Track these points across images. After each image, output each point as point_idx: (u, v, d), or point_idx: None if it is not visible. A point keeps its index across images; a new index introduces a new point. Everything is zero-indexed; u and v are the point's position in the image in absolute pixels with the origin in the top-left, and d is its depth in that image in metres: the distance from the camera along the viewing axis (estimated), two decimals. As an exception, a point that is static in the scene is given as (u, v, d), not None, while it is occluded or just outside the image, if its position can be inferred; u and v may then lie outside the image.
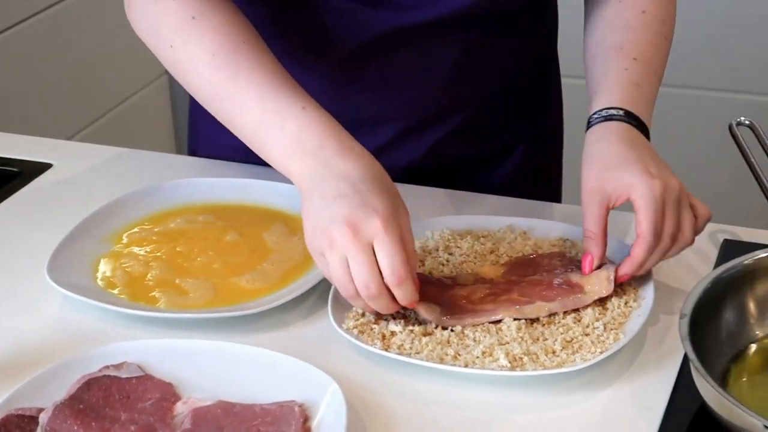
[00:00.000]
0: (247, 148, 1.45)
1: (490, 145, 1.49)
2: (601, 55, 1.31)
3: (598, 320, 1.15)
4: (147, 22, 1.27)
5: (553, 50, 1.53)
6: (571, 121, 1.61)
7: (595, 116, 1.24)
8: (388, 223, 1.11)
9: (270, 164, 1.21)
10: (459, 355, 1.12)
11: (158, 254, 1.29)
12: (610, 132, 1.21)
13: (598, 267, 1.18)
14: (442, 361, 1.12)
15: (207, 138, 1.54)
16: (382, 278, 1.10)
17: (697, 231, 1.19)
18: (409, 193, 1.24)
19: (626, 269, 1.17)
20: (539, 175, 1.57)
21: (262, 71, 1.21)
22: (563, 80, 1.57)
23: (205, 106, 1.25)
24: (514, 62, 1.45)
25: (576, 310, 1.17)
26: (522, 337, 1.13)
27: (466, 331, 1.15)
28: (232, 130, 1.24)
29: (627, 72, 1.26)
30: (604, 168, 1.19)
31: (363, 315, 1.17)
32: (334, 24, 1.35)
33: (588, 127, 1.24)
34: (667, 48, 1.33)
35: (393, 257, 1.10)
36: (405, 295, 1.12)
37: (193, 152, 1.57)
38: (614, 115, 1.23)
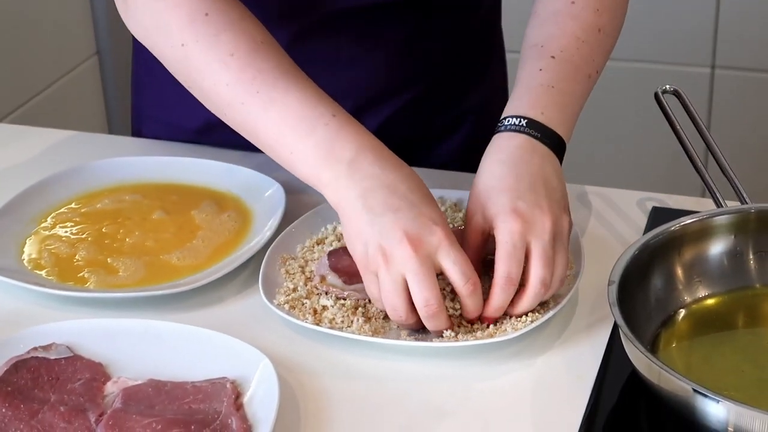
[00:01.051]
0: (194, 128, 1.44)
1: (439, 121, 1.49)
2: (524, 54, 1.24)
3: (528, 290, 1.16)
4: (151, 18, 1.18)
5: (497, 25, 1.53)
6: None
7: (499, 125, 1.17)
8: (448, 232, 1.07)
9: (297, 176, 1.14)
10: (391, 328, 1.12)
11: (83, 236, 1.28)
12: (501, 147, 1.15)
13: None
14: (373, 334, 1.11)
15: (152, 119, 1.51)
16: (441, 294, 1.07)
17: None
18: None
19: (487, 311, 1.10)
20: None
21: (285, 74, 1.14)
22: (508, 56, 1.57)
23: (218, 111, 1.17)
24: (459, 39, 1.45)
25: (507, 281, 1.17)
26: (454, 308, 1.13)
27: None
28: (249, 138, 1.16)
29: (541, 73, 1.19)
30: (482, 190, 1.12)
31: (294, 290, 1.17)
32: (284, 3, 1.34)
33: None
34: (603, 40, 1.24)
35: (464, 265, 1.07)
36: (474, 302, 1.09)
37: (137, 133, 1.55)
38: (514, 125, 1.15)
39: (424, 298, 1.06)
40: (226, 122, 1.18)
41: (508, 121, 1.16)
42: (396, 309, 1.08)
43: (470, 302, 1.09)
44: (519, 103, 1.17)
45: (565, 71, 1.20)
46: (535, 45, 1.22)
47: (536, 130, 1.15)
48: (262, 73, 1.13)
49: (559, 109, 1.17)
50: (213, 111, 1.18)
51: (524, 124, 1.15)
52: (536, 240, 1.09)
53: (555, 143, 1.16)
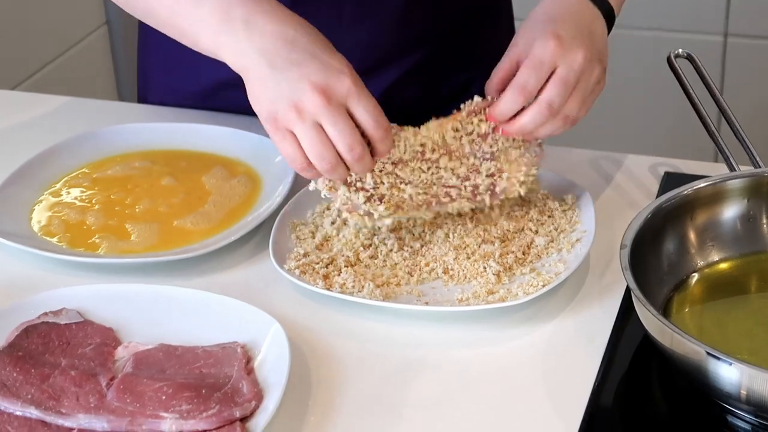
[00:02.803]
0: (200, 92, 1.43)
1: (445, 85, 1.48)
2: None
3: (540, 254, 1.15)
4: None
5: None
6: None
7: None
8: (357, 79, 1.08)
9: (201, 50, 1.13)
10: (402, 293, 1.12)
11: (92, 202, 1.28)
12: None
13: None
14: (384, 299, 1.11)
15: (157, 84, 1.51)
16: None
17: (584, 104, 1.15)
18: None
19: (492, 111, 1.13)
20: None
21: None
22: (517, 24, 1.56)
23: (125, 6, 1.19)
24: (465, 1, 1.44)
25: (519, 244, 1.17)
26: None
27: (408, 270, 1.15)
28: (156, 26, 1.17)
29: None
30: (530, 21, 1.17)
31: (305, 255, 1.17)
32: None
33: None
34: None
35: (374, 111, 1.08)
36: (386, 147, 1.11)
37: (143, 99, 1.55)
38: None
39: (347, 144, 1.07)
40: (137, 17, 1.18)
41: None
42: (324, 158, 1.08)
43: (381, 147, 1.10)
44: None
45: None
46: None
47: None
48: None
49: None
50: (125, 9, 1.19)
51: None
52: (563, 66, 1.11)
53: (607, 13, 1.19)
